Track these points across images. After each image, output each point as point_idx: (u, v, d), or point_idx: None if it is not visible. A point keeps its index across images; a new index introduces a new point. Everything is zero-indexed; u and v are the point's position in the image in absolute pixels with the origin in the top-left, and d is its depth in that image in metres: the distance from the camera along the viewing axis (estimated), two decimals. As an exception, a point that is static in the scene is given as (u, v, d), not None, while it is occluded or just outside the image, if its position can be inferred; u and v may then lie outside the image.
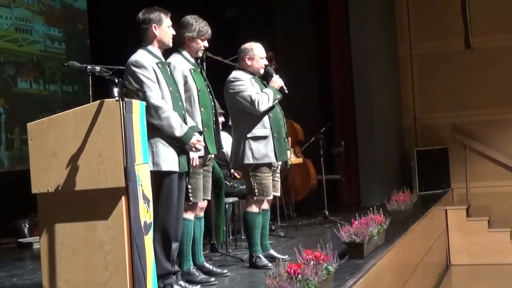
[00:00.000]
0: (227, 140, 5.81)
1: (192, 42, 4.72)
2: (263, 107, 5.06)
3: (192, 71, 4.66)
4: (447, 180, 9.93)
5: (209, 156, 4.71)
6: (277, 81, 5.26)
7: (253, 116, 5.10)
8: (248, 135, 5.10)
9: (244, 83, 5.10)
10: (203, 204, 4.83)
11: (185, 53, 4.72)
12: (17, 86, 7.98)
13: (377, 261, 5.07)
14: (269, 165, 5.13)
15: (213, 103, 4.78)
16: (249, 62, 5.21)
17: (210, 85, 4.81)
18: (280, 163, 5.27)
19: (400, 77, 10.18)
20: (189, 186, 4.49)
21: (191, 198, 4.52)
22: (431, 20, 10.05)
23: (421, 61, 10.23)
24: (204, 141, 4.58)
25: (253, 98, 5.03)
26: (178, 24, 4.61)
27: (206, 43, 4.77)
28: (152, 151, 4.11)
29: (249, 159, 5.07)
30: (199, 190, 4.59)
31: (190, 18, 4.74)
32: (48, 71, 8.44)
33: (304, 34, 9.85)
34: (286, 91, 5.30)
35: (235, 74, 5.20)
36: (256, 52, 5.22)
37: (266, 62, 5.32)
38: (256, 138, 5.09)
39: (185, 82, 4.59)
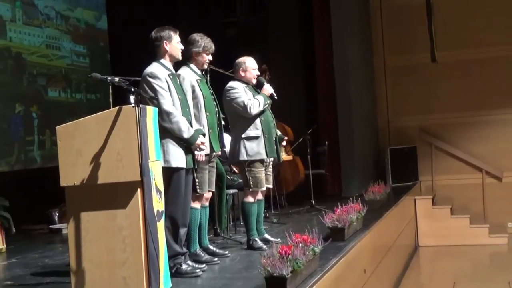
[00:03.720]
0: (227, 140, 5.81)
1: (198, 56, 4.71)
2: (254, 111, 5.06)
3: (199, 81, 4.66)
4: (416, 174, 9.92)
5: (214, 153, 4.71)
6: (267, 89, 5.26)
7: (246, 119, 5.10)
8: (243, 136, 5.10)
9: (238, 91, 5.11)
10: (208, 195, 4.83)
11: (192, 66, 4.72)
12: (48, 95, 7.97)
13: (356, 243, 5.07)
14: (261, 161, 5.13)
15: (217, 109, 4.78)
16: (242, 74, 5.21)
17: (214, 93, 4.81)
18: (272, 159, 5.27)
19: (375, 86, 10.16)
20: (196, 180, 4.49)
21: (198, 190, 4.51)
22: (401, 37, 10.05)
23: (393, 72, 10.22)
24: (210, 141, 4.59)
25: (245, 104, 5.04)
26: (186, 41, 4.61)
27: (210, 57, 4.77)
28: (163, 150, 4.11)
29: (243, 156, 5.08)
30: (205, 183, 4.59)
31: (196, 36, 4.73)
32: (74, 82, 8.44)
33: (293, 50, 9.86)
34: (276, 97, 5.30)
35: (231, 84, 5.20)
36: (248, 65, 5.22)
37: (258, 73, 5.31)
38: (250, 138, 5.10)
39: (193, 91, 4.58)
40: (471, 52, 9.79)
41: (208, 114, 4.64)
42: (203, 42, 4.70)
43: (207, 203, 4.88)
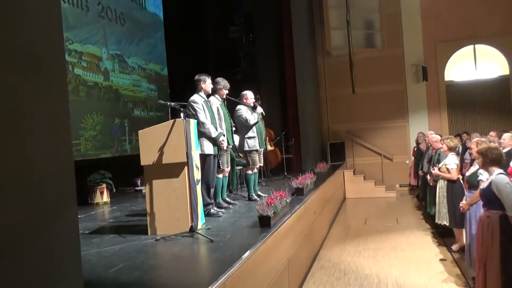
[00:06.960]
0: (236, 139, 5.77)
1: (220, 91, 4.66)
2: (251, 122, 5.02)
3: (220, 106, 4.61)
4: (344, 157, 9.95)
5: (229, 145, 4.67)
6: (259, 110, 5.23)
7: (247, 126, 5.06)
8: (245, 136, 5.05)
9: (243, 111, 5.06)
10: (228, 169, 4.81)
11: (217, 96, 4.66)
12: (134, 113, 7.92)
13: (310, 196, 5.08)
14: (256, 150, 5.09)
15: (230, 121, 4.74)
16: (245, 100, 5.15)
17: (229, 112, 4.77)
18: (262, 149, 5.25)
19: (321, 107, 10.19)
20: (220, 161, 4.46)
21: (221, 166, 4.48)
22: (335, 78, 10.07)
23: (331, 99, 10.23)
24: (227, 139, 4.56)
25: (247, 118, 4.99)
26: (214, 81, 4.58)
27: (227, 91, 4.72)
28: (200, 144, 4.08)
29: (246, 148, 5.04)
30: (225, 162, 4.55)
31: (219, 79, 4.69)
32: (149, 106, 8.39)
33: (274, 86, 9.81)
34: (264, 114, 5.28)
35: (238, 107, 5.14)
36: (248, 95, 5.16)
37: (254, 100, 5.27)
38: (249, 137, 5.04)
39: (217, 111, 4.55)
40: (375, 87, 9.82)
41: (225, 124, 4.61)
42: (223, 83, 4.66)
43: (227, 174, 4.85)
